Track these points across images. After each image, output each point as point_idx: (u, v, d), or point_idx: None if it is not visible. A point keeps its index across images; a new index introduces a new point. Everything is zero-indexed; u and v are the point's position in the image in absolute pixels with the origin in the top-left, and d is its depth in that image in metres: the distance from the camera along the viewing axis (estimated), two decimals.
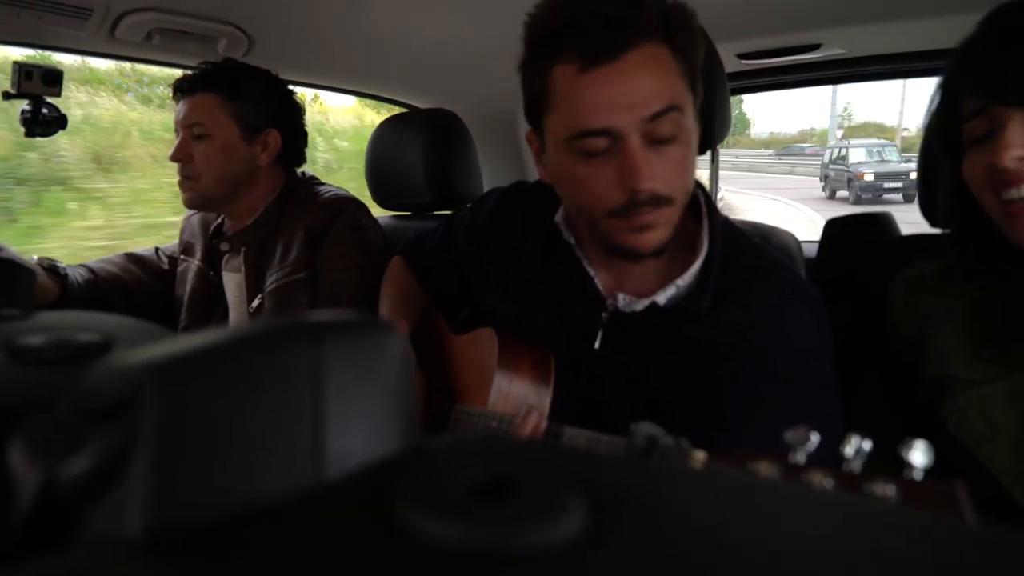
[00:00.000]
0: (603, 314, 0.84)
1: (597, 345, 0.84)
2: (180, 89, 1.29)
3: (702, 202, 0.86)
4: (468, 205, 1.10)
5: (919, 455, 0.43)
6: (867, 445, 0.45)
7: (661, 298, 0.81)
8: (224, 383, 0.20)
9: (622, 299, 0.84)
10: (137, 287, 1.44)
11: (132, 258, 1.47)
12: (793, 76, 1.73)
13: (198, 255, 1.44)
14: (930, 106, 0.80)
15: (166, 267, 1.50)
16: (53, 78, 1.14)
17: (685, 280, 0.81)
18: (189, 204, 1.35)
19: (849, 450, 0.46)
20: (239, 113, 1.28)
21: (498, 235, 0.98)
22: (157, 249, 1.53)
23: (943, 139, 0.76)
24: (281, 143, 1.34)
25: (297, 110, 1.39)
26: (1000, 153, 0.67)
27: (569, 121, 0.75)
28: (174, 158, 1.29)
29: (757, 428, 0.75)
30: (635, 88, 0.71)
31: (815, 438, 0.47)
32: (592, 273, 0.86)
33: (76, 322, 0.43)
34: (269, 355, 0.21)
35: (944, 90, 0.75)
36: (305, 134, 1.41)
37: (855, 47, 1.51)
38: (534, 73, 0.78)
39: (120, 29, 1.18)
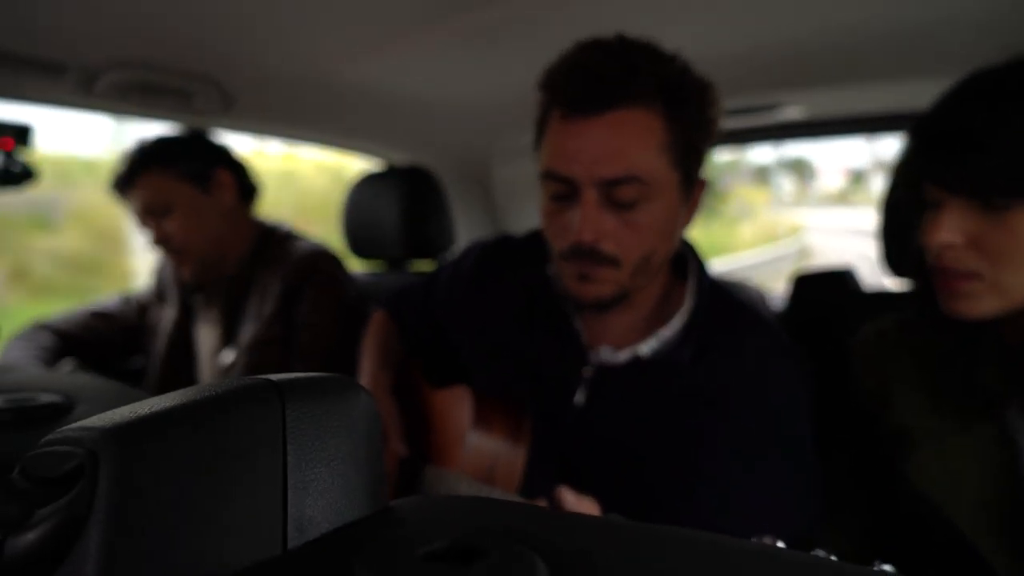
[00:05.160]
0: (585, 367, 0.84)
1: (580, 400, 0.84)
2: (121, 186, 1.29)
3: (689, 260, 0.87)
4: (447, 257, 1.11)
5: None
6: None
7: (644, 349, 0.82)
8: (182, 448, 0.20)
9: (605, 351, 0.84)
10: (100, 344, 1.41)
11: (96, 315, 1.44)
12: (759, 133, 1.79)
13: (173, 305, 1.43)
14: (899, 157, 0.81)
15: (135, 317, 1.48)
16: (22, 133, 1.14)
17: (668, 332, 0.82)
18: (194, 280, 1.35)
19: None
20: (184, 172, 1.29)
21: (481, 289, 0.99)
22: (125, 299, 1.50)
23: (910, 192, 0.76)
24: (233, 178, 1.35)
25: (222, 145, 1.40)
26: (930, 234, 0.68)
27: (545, 159, 0.78)
28: (156, 243, 1.29)
29: (735, 482, 0.75)
30: (599, 148, 0.73)
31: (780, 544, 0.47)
32: (578, 326, 0.86)
33: (37, 382, 0.42)
34: (230, 419, 0.21)
35: (911, 147, 0.74)
36: (243, 164, 1.41)
37: (814, 109, 1.57)
38: (541, 106, 0.81)
39: (98, 86, 1.19)
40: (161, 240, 1.29)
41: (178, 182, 1.28)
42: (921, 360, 0.80)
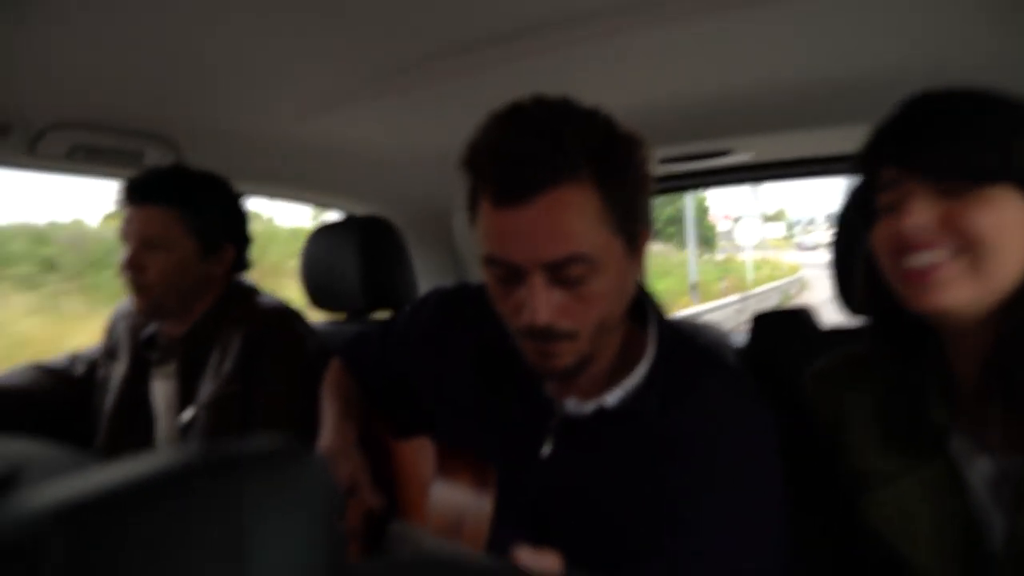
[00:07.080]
0: (551, 421, 0.83)
1: (546, 453, 0.82)
2: (132, 197, 1.23)
3: (647, 307, 0.87)
4: (406, 307, 1.10)
5: None
6: None
7: (609, 400, 0.81)
8: (136, 529, 0.19)
9: (570, 403, 0.83)
10: (47, 398, 1.34)
11: (41, 369, 1.38)
12: (710, 178, 1.86)
13: (124, 360, 1.37)
14: (850, 183, 0.83)
15: (81, 374, 1.41)
16: None
17: (632, 382, 0.81)
18: (144, 314, 1.30)
19: None
20: (198, 229, 1.25)
21: (439, 339, 0.97)
22: (72, 357, 1.45)
23: (861, 208, 0.77)
24: (234, 254, 1.32)
25: (247, 220, 1.37)
26: (902, 219, 0.67)
27: (484, 244, 0.76)
28: (127, 268, 1.23)
29: (704, 530, 0.74)
30: (537, 233, 0.71)
31: None
32: (539, 379, 0.85)
33: None
34: (186, 498, 0.21)
35: (864, 160, 0.76)
36: (251, 241, 1.39)
37: (762, 153, 1.64)
38: (470, 188, 0.78)
39: (41, 145, 1.16)
40: (134, 267, 1.22)
41: (187, 233, 1.24)
42: (870, 398, 0.80)
